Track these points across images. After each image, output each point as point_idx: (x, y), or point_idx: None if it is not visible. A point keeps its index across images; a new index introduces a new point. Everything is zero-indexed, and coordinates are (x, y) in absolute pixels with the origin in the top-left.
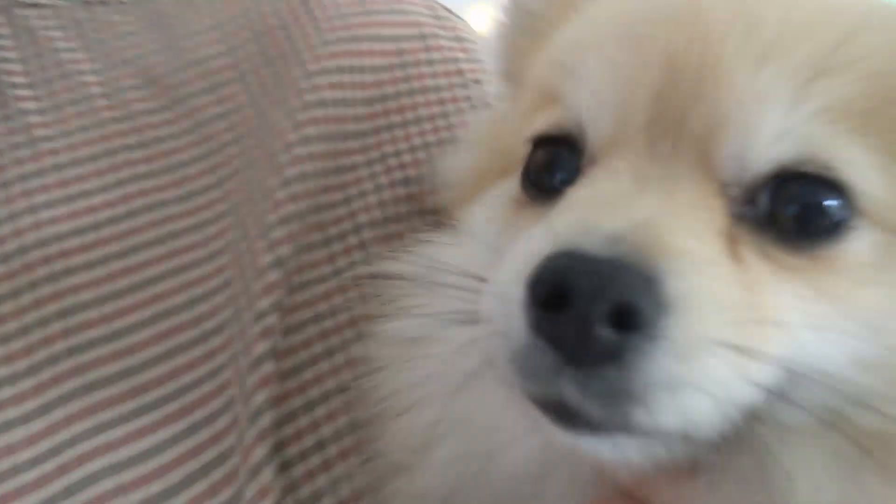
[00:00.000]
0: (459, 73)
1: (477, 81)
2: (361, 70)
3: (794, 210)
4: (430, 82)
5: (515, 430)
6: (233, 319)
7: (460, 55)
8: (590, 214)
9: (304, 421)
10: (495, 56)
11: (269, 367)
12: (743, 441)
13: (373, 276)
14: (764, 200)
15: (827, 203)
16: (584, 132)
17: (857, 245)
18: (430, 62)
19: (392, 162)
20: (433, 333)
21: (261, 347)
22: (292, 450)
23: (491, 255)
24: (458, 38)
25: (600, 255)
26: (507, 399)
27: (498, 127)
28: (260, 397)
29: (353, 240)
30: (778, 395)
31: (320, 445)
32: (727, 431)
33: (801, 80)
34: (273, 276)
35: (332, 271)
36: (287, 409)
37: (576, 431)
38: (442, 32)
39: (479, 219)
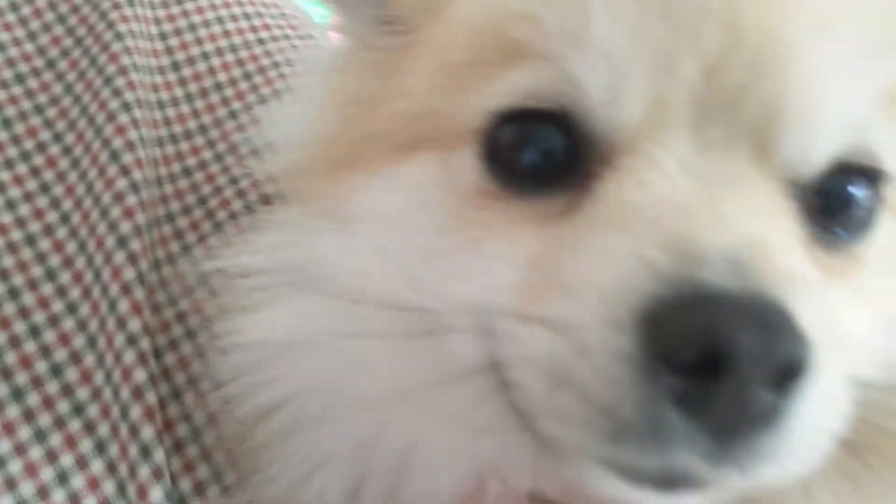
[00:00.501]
0: (295, 48)
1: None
2: (192, 61)
3: (832, 205)
4: (265, 62)
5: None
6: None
7: (290, 32)
8: (676, 229)
9: (192, 451)
10: None
11: (151, 398)
12: None
13: (231, 272)
14: (815, 198)
15: (861, 195)
16: (594, 114)
17: (881, 237)
18: (261, 41)
19: (243, 150)
20: (311, 338)
21: (140, 376)
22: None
23: (427, 263)
24: (284, 15)
25: (738, 294)
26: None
27: (381, 77)
28: (147, 431)
29: (215, 241)
30: None
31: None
32: None
33: (865, 54)
34: (139, 294)
35: (198, 280)
36: (174, 440)
37: (675, 493)
38: (265, 10)
39: (398, 205)
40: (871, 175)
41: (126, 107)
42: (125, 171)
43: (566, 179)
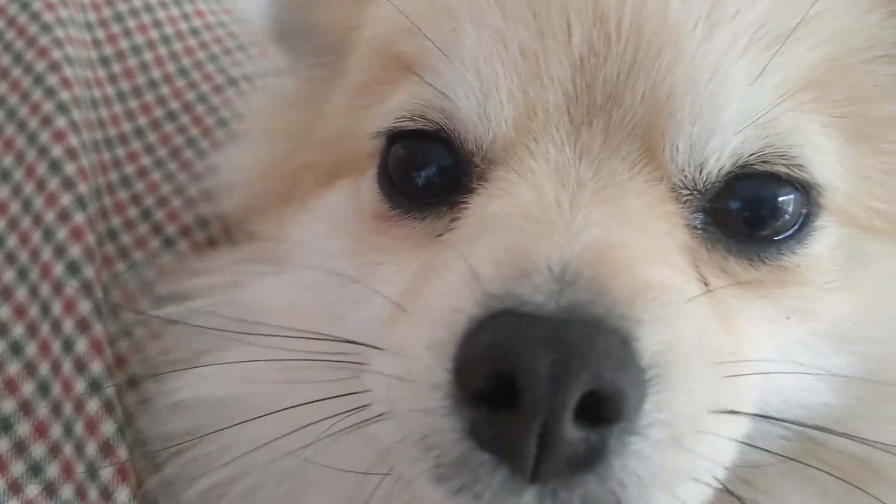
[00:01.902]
0: (231, 35)
1: (255, 43)
2: (121, 55)
3: (750, 216)
4: (202, 55)
5: None
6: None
7: (225, 17)
8: (520, 243)
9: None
10: (272, 12)
11: (122, 453)
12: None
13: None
14: (714, 205)
15: (783, 200)
16: (467, 128)
17: (821, 246)
18: (194, 31)
19: (188, 154)
20: (245, 393)
21: (107, 429)
22: None
23: (339, 291)
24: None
25: (551, 313)
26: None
27: (312, 110)
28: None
29: (167, 258)
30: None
31: None
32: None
33: (761, 45)
34: (98, 331)
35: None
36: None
37: None
38: None
39: (318, 234)
40: (793, 180)
41: (63, 108)
42: (69, 183)
43: (452, 197)
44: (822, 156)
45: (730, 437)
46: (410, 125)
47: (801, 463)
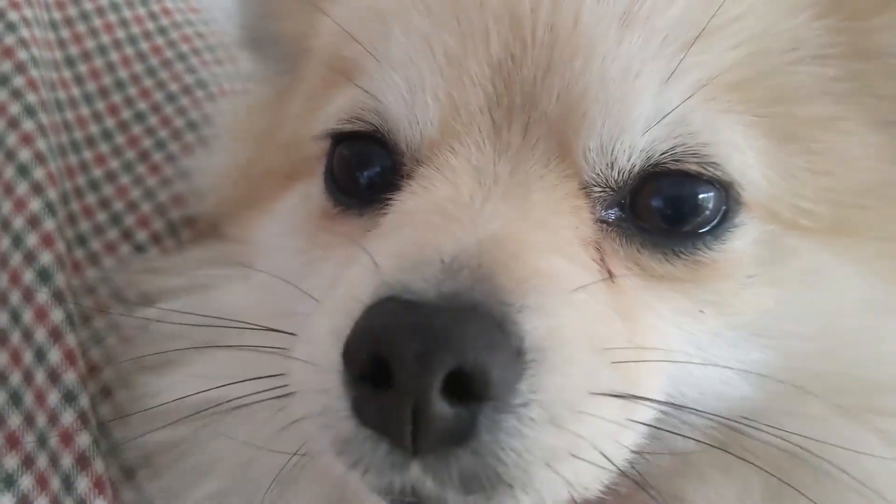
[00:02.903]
0: (199, 35)
1: (223, 44)
2: (87, 56)
3: (666, 208)
4: (170, 53)
5: None
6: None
7: (192, 16)
8: (422, 235)
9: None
10: (240, 21)
11: (98, 465)
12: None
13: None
14: (634, 201)
15: (704, 198)
16: (397, 128)
17: (741, 243)
18: (162, 30)
19: (157, 157)
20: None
21: (83, 441)
22: None
23: (287, 289)
24: None
25: (430, 299)
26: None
27: (274, 115)
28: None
29: (138, 265)
30: (663, 427)
31: None
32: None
33: (674, 47)
34: (71, 341)
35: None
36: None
37: None
38: None
39: (274, 235)
40: (708, 178)
41: (29, 110)
42: (37, 188)
43: (386, 195)
44: (739, 154)
45: (620, 420)
46: (349, 127)
47: (722, 450)
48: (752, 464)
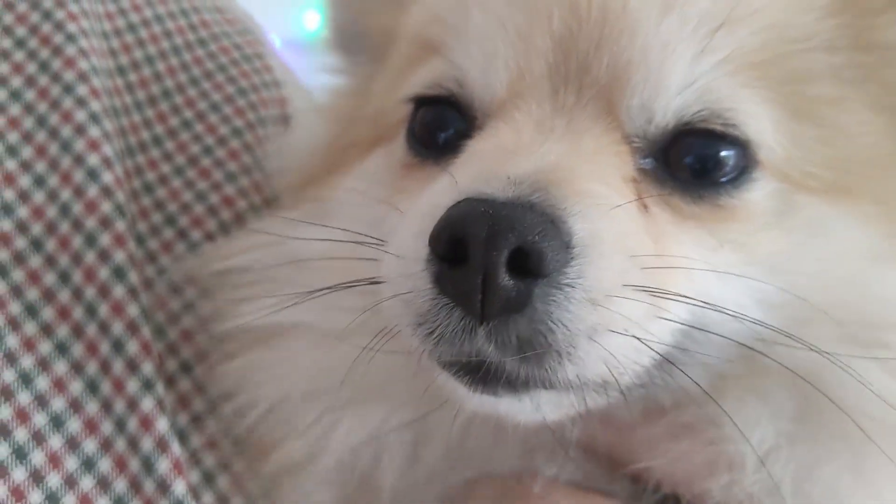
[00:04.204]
0: (237, 46)
1: (258, 54)
2: (136, 65)
3: (692, 162)
4: (211, 65)
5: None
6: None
7: (228, 28)
8: (492, 163)
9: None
10: (336, 22)
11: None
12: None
13: (216, 273)
14: (667, 154)
15: (726, 155)
16: (472, 92)
17: (757, 195)
18: (202, 42)
19: (206, 162)
20: (303, 320)
21: (162, 425)
22: None
23: (375, 224)
24: (218, 9)
25: (499, 197)
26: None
27: (360, 96)
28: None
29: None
30: (690, 333)
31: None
32: (647, 377)
33: (705, 30)
34: (146, 334)
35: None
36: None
37: (494, 393)
38: (199, 3)
39: (354, 187)
40: (730, 138)
41: (95, 118)
42: (107, 192)
43: (462, 145)
44: (756, 120)
45: (650, 309)
46: (430, 91)
47: (756, 352)
48: (789, 373)
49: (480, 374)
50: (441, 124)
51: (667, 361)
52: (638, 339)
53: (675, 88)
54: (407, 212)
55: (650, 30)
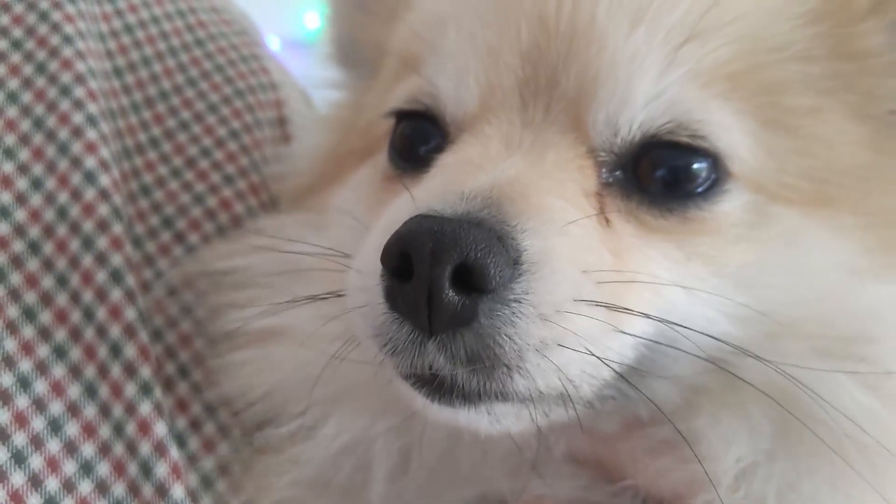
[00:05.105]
0: (234, 47)
1: (255, 56)
2: (133, 67)
3: (663, 175)
4: (208, 65)
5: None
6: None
7: (225, 29)
8: (452, 178)
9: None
10: (334, 36)
11: (174, 452)
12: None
13: (212, 275)
14: (636, 166)
15: (698, 168)
16: (445, 107)
17: (728, 206)
18: (199, 42)
19: (203, 165)
20: (292, 324)
21: (160, 430)
22: None
23: (362, 234)
24: (215, 10)
25: (447, 214)
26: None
27: (356, 108)
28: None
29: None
30: (656, 348)
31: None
32: (614, 390)
33: (673, 43)
34: (144, 338)
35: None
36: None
37: (451, 404)
38: (196, 3)
39: (346, 199)
40: (697, 149)
41: (92, 120)
42: (105, 194)
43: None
44: (727, 132)
45: (604, 325)
46: (408, 106)
47: (726, 370)
48: (761, 392)
49: (435, 386)
50: (421, 138)
51: (634, 374)
52: (591, 353)
53: (641, 101)
54: (372, 227)
55: (618, 42)
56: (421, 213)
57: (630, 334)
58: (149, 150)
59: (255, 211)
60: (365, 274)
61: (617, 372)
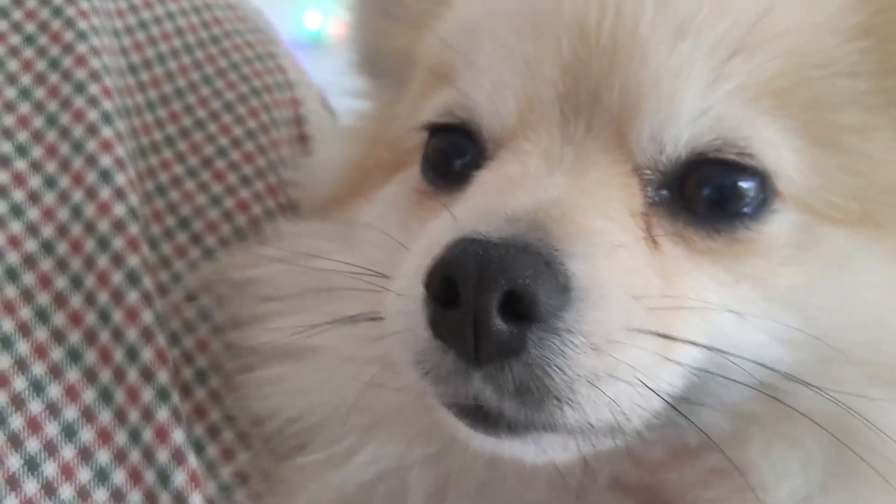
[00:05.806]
0: (249, 45)
1: (270, 54)
2: (148, 64)
3: (710, 194)
4: (223, 63)
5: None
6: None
7: (239, 26)
8: (494, 198)
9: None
10: (357, 46)
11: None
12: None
13: (233, 283)
14: (682, 184)
15: (746, 187)
16: (481, 121)
17: (777, 227)
18: (214, 39)
19: (220, 165)
20: (324, 344)
21: (178, 437)
22: None
23: (394, 252)
24: (230, 6)
25: (492, 238)
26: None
27: (383, 119)
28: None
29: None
30: (704, 375)
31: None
32: (663, 419)
33: (720, 57)
34: (161, 341)
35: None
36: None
37: (496, 434)
38: (211, 0)
39: (375, 215)
40: (744, 167)
41: (107, 117)
42: (121, 193)
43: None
44: (775, 150)
45: (656, 354)
46: (442, 120)
47: (776, 399)
48: (813, 422)
49: (480, 416)
50: (456, 151)
51: (683, 402)
52: (644, 384)
53: (687, 117)
54: (411, 247)
55: (662, 56)
56: (464, 235)
57: (681, 363)
58: (164, 149)
59: (273, 213)
60: (405, 298)
61: (668, 402)
